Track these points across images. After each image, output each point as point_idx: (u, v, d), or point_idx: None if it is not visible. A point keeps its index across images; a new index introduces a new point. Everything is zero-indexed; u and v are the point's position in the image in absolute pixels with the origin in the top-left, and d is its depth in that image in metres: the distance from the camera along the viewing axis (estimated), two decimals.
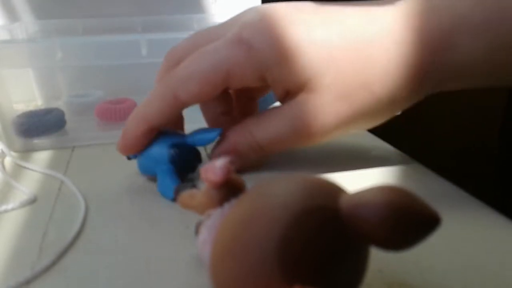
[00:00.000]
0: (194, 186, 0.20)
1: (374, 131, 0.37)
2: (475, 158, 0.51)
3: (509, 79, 0.26)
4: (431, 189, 0.28)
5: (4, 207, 0.26)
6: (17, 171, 0.32)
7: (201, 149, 0.34)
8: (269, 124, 0.28)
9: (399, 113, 0.29)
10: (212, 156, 0.30)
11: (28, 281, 0.20)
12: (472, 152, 0.51)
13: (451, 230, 0.23)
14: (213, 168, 0.18)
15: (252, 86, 0.28)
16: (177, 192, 0.20)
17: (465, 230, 0.23)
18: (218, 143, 0.29)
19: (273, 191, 0.15)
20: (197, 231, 0.19)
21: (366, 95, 0.26)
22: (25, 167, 0.32)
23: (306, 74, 0.26)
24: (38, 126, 0.37)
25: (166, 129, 0.29)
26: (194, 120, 0.32)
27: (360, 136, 0.38)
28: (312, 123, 0.27)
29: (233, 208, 0.16)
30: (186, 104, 0.27)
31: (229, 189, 0.18)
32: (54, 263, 0.21)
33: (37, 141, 0.36)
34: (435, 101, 0.28)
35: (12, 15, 0.49)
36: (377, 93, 0.26)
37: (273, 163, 0.33)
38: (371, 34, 0.25)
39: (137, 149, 0.28)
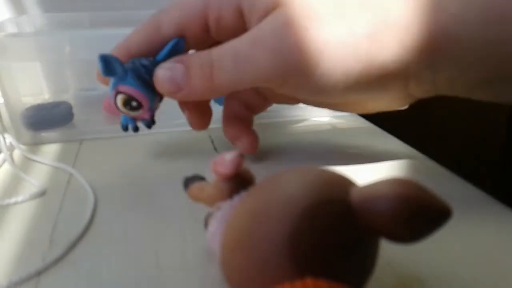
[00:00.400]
0: (203, 179, 0.20)
1: (383, 125, 0.37)
2: (483, 151, 0.51)
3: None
4: (440, 183, 0.28)
5: (14, 199, 0.26)
6: (26, 164, 0.32)
7: (207, 141, 0.34)
8: (233, 41, 0.25)
9: (406, 105, 0.29)
10: (156, 70, 0.26)
11: (39, 272, 0.20)
12: (481, 145, 0.51)
13: (461, 223, 0.23)
14: (223, 161, 0.18)
15: (230, 22, 0.26)
16: (186, 184, 0.20)
17: (475, 223, 0.23)
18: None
19: (284, 184, 0.15)
20: (206, 224, 0.19)
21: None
22: (34, 160, 0.33)
23: None
24: (46, 119, 0.37)
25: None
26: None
27: (369, 131, 0.38)
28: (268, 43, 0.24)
29: (243, 200, 0.16)
30: (169, 35, 0.27)
31: (238, 182, 0.18)
32: (64, 254, 0.21)
33: (45, 134, 0.37)
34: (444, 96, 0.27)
35: (20, 8, 0.50)
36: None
37: (282, 157, 0.33)
38: None
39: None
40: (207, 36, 0.27)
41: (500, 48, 0.22)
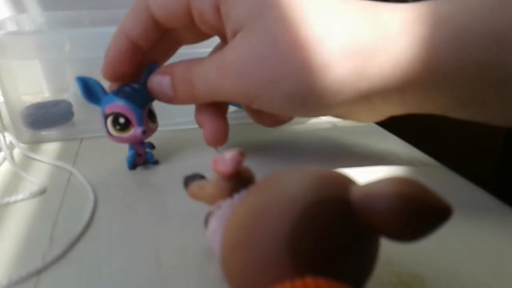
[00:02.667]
0: (203, 177, 0.20)
1: (383, 124, 0.37)
2: (484, 149, 0.51)
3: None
4: (440, 182, 0.28)
5: (14, 198, 0.26)
6: (26, 162, 0.32)
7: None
8: (206, 61, 0.27)
9: (375, 120, 0.29)
10: (148, 82, 0.29)
11: (40, 271, 0.20)
12: (481, 143, 0.51)
13: (461, 222, 0.23)
14: (223, 160, 0.18)
15: (211, 18, 0.26)
16: (186, 183, 0.20)
17: (475, 222, 0.23)
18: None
19: (284, 183, 0.15)
20: (206, 222, 0.19)
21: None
22: (34, 158, 0.33)
23: (248, 9, 0.24)
24: (46, 117, 0.37)
25: None
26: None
27: (370, 130, 0.38)
28: (229, 68, 0.25)
29: (244, 199, 0.16)
30: (156, 17, 0.27)
31: (239, 181, 0.18)
32: (65, 253, 0.21)
33: (45, 132, 0.37)
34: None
35: (20, 7, 0.49)
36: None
37: (282, 156, 0.33)
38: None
39: (121, 68, 0.29)
40: (194, 24, 0.28)
41: (474, 70, 0.22)
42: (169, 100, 0.29)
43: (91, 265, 0.20)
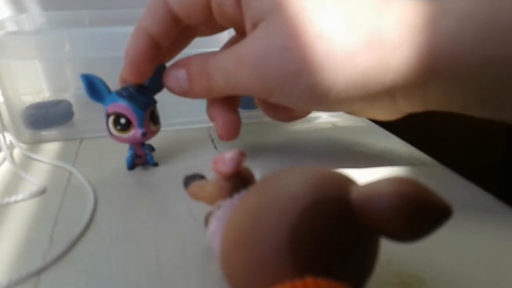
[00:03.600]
0: (203, 177, 0.20)
1: (383, 124, 0.37)
2: (485, 150, 0.51)
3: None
4: (441, 182, 0.28)
5: (14, 198, 0.26)
6: (26, 162, 0.32)
7: (207, 140, 0.34)
8: (223, 54, 0.27)
9: (396, 117, 0.28)
10: (165, 72, 0.29)
11: (40, 271, 0.20)
12: (482, 144, 0.51)
13: (461, 222, 0.23)
14: (223, 160, 0.18)
15: (231, 10, 0.26)
16: (186, 183, 0.20)
17: (475, 222, 0.23)
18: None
19: (284, 182, 0.15)
20: (206, 222, 0.19)
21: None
22: (34, 159, 0.33)
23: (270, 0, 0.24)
24: (46, 117, 0.37)
25: None
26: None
27: (370, 130, 0.38)
28: (248, 58, 0.25)
29: (244, 198, 0.16)
30: (176, 12, 0.27)
31: (239, 180, 0.18)
32: (65, 253, 0.21)
33: (45, 132, 0.37)
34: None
35: (20, 7, 0.49)
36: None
37: (282, 156, 0.33)
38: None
39: (143, 67, 0.28)
40: (212, 17, 0.28)
41: (497, 66, 0.21)
42: (185, 93, 0.28)
43: (91, 265, 0.20)
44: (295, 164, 0.31)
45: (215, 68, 0.27)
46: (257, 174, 0.19)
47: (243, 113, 0.33)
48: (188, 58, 0.28)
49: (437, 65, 0.22)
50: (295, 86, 0.24)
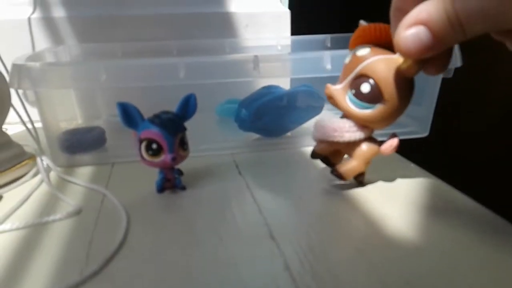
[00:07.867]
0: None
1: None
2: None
3: None
4: (442, 197, 0.28)
5: (52, 217, 0.28)
6: (62, 185, 0.34)
7: (232, 165, 0.36)
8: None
9: None
10: (399, 28, 0.25)
11: (78, 285, 0.21)
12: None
13: (460, 228, 0.23)
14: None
15: None
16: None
17: (471, 234, 0.24)
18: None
19: None
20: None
21: None
22: (69, 181, 0.35)
23: None
24: (81, 143, 0.39)
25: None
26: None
27: None
28: None
29: None
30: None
31: None
32: (101, 269, 0.23)
33: (79, 157, 0.39)
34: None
35: (57, 39, 0.53)
36: None
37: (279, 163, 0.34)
38: None
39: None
40: None
41: None
42: (429, 50, 0.24)
43: (125, 280, 0.22)
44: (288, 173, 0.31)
45: (468, 6, 0.22)
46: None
47: (265, 141, 0.34)
48: (417, 12, 0.24)
49: None
50: None
